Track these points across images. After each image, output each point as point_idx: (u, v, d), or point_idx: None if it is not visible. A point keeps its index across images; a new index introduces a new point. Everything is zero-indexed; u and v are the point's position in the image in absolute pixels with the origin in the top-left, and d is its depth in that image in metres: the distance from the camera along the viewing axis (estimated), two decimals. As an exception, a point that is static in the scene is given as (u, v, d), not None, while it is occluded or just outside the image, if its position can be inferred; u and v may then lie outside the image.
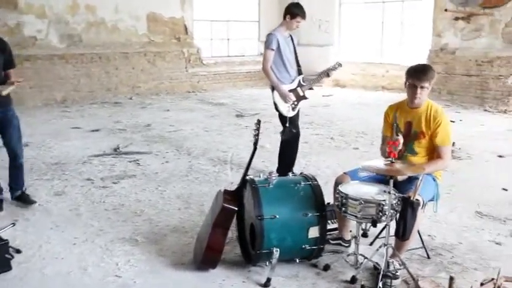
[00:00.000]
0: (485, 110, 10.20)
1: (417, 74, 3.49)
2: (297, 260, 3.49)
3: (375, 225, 3.19)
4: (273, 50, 5.06)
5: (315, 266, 3.55)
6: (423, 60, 11.80)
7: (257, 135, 3.54)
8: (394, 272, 3.18)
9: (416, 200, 3.21)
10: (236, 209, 3.44)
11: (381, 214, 3.14)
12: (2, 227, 4.11)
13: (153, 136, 7.86)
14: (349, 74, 13.40)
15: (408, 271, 3.25)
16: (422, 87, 3.47)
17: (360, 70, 13.70)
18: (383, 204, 3.14)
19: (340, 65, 5.45)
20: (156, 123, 8.87)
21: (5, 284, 3.35)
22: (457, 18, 11.02)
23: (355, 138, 7.65)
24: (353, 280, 3.30)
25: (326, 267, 3.50)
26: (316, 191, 3.47)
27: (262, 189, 3.40)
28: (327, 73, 5.31)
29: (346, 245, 3.82)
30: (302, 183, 3.52)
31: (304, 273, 3.47)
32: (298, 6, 5.15)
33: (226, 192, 3.53)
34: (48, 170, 5.99)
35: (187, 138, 7.66)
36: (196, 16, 13.49)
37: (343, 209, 3.27)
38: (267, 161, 6.36)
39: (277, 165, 5.60)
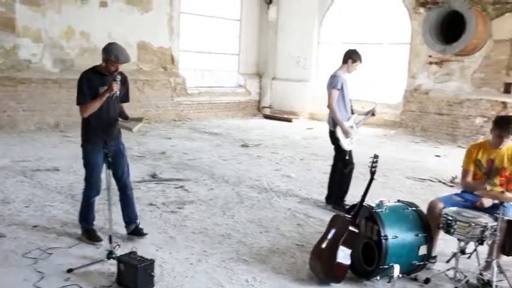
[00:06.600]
0: (459, 146, 11.32)
1: (508, 129, 4.22)
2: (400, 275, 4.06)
3: (481, 244, 3.86)
4: (339, 89, 5.70)
5: (415, 279, 4.15)
6: (399, 98, 12.98)
7: (375, 167, 4.12)
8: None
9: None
10: (358, 232, 3.99)
11: (485, 234, 3.82)
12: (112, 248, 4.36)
13: (177, 163, 8.17)
14: (325, 108, 14.23)
15: (508, 281, 3.95)
16: (508, 137, 4.24)
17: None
18: (486, 226, 3.82)
19: (376, 105, 6.28)
20: (169, 151, 9.15)
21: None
22: (430, 63, 12.28)
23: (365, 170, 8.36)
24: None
25: (427, 281, 4.10)
26: (421, 215, 4.13)
27: (381, 213, 3.98)
28: (372, 113, 6.10)
29: (433, 261, 4.42)
30: (409, 208, 4.15)
31: (410, 286, 4.06)
32: (357, 52, 5.85)
33: (346, 217, 4.08)
34: (101, 194, 6.17)
35: (212, 167, 8.04)
36: (182, 47, 13.92)
37: (451, 230, 3.92)
38: (303, 189, 6.94)
39: (326, 193, 6.19)
